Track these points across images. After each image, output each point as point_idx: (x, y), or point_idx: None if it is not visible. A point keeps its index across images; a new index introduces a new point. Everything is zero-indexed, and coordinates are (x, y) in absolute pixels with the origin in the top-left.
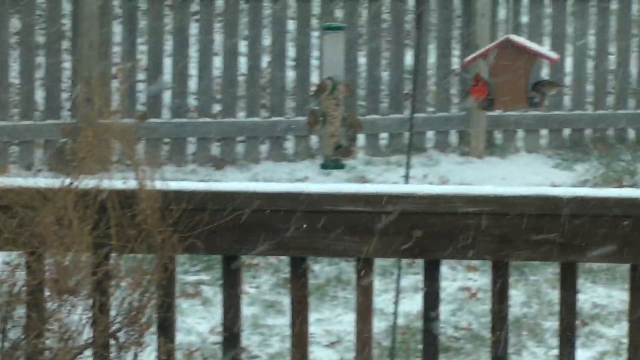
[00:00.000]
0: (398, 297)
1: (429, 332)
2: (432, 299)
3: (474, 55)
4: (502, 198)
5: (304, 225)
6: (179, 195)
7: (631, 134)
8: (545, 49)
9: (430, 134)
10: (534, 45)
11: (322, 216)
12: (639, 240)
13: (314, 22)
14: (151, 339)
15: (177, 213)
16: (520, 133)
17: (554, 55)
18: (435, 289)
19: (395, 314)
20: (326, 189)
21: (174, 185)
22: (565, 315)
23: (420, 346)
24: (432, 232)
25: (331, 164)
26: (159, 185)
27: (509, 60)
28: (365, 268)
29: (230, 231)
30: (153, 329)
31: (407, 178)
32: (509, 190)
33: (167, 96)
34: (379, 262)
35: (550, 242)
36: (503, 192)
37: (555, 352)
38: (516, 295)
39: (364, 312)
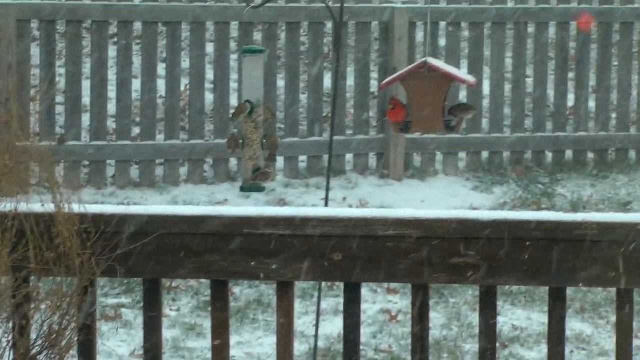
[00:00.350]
0: (318, 319)
1: (349, 355)
2: (352, 322)
3: (390, 78)
4: (422, 221)
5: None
6: (97, 218)
7: (549, 156)
8: (462, 72)
9: (349, 156)
10: (450, 69)
11: (243, 239)
12: (557, 263)
13: (233, 44)
14: None
15: (95, 236)
16: (439, 156)
17: (470, 78)
18: (356, 311)
19: (315, 336)
20: (246, 212)
21: (92, 208)
22: (485, 337)
23: None
24: (352, 255)
25: (250, 186)
26: (76, 208)
27: (426, 84)
28: (285, 290)
29: (151, 254)
30: (73, 351)
31: (326, 200)
32: (429, 213)
33: (85, 119)
34: (299, 285)
35: (470, 265)
36: (423, 215)
37: None
38: (436, 317)
39: (285, 334)
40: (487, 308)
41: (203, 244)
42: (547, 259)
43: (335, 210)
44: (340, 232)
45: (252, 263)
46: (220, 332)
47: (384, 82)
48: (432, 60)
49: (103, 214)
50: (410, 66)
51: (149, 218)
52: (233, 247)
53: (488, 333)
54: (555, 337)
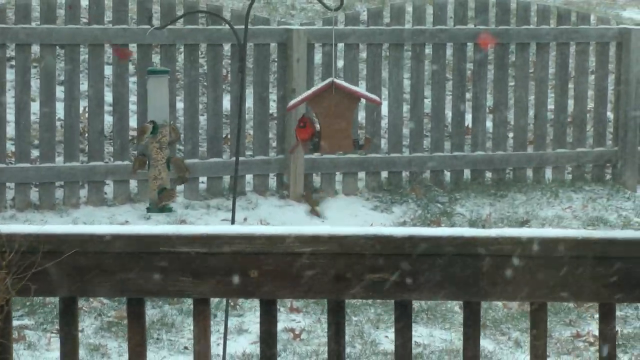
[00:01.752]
0: (226, 338)
1: None
2: (269, 338)
3: (299, 98)
4: (337, 238)
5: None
6: (12, 237)
7: (447, 176)
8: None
9: (249, 177)
10: (356, 88)
11: (159, 257)
12: (471, 278)
13: (131, 67)
14: None
15: (10, 255)
16: (338, 176)
17: (376, 97)
18: (272, 328)
19: (224, 355)
20: (162, 231)
21: (6, 228)
22: (401, 353)
23: None
24: (268, 271)
25: (157, 207)
26: None
27: (334, 103)
28: (202, 308)
29: (67, 273)
30: None
31: (233, 220)
32: (344, 230)
33: None
34: None
35: (385, 281)
36: (338, 232)
37: None
38: None
39: (203, 351)
40: (403, 323)
41: (119, 263)
42: (461, 274)
43: (251, 228)
44: (256, 250)
45: (169, 281)
46: (138, 350)
47: (292, 103)
48: (339, 81)
49: (17, 233)
50: (317, 87)
51: (64, 237)
52: (149, 266)
53: (404, 349)
54: (471, 350)
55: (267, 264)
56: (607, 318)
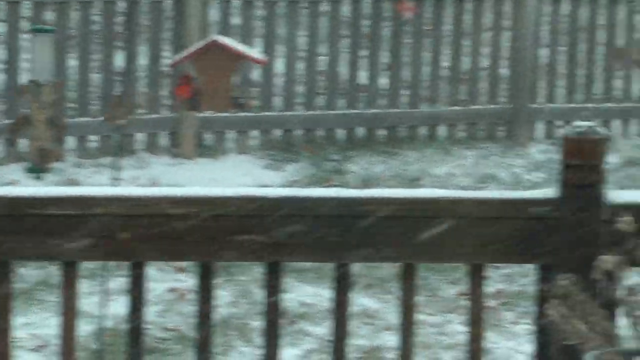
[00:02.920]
0: (105, 299)
1: (133, 334)
2: (137, 300)
3: (181, 56)
4: (209, 199)
5: None
6: None
7: (341, 134)
8: (253, 50)
9: (140, 135)
10: (239, 47)
11: (28, 220)
12: (343, 239)
13: (24, 24)
14: None
15: None
16: (231, 134)
17: (260, 57)
18: (141, 290)
19: (101, 316)
20: (31, 193)
21: None
22: (270, 313)
23: None
24: (140, 234)
25: (37, 167)
26: None
27: (215, 62)
28: (69, 271)
29: None
30: None
31: (117, 180)
32: (216, 191)
33: None
34: (86, 265)
35: (256, 242)
36: (209, 193)
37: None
38: (224, 295)
39: (69, 314)
40: (272, 285)
41: None
42: (334, 235)
43: (121, 190)
44: (127, 212)
45: (38, 244)
46: (2, 313)
47: (174, 60)
48: (221, 38)
49: None
50: (199, 44)
51: None
52: (18, 228)
53: (272, 309)
54: (340, 311)
55: (137, 226)
56: (476, 278)
